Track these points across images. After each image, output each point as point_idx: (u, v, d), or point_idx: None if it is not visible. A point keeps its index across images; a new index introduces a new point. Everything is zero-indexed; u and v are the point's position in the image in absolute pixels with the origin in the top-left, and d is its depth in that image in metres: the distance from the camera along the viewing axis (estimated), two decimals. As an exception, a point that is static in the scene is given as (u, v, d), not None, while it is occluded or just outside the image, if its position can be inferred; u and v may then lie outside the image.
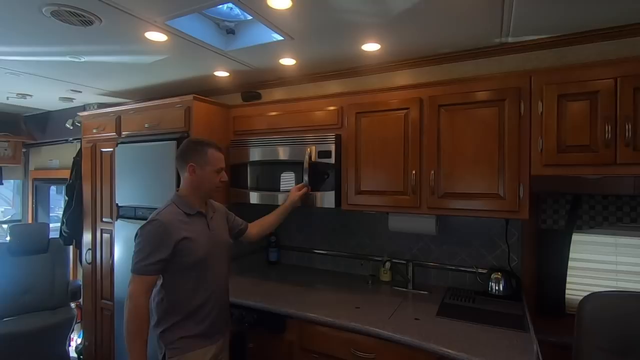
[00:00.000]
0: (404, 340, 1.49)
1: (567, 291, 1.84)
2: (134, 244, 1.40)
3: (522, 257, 1.95)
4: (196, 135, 2.06)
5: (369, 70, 2.12)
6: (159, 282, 1.43)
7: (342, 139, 1.97)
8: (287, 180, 2.07)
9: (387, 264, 2.15)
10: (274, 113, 2.20)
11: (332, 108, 2.02)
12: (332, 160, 1.93)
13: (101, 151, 2.55)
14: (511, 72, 1.59)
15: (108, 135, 2.49)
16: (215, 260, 1.52)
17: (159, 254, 1.36)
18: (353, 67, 2.13)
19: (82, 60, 2.03)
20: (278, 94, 2.42)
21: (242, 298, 1.93)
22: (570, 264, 1.84)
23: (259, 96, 2.47)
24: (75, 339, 3.24)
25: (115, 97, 2.88)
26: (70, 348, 3.08)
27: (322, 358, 1.70)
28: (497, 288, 1.91)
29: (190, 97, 2.10)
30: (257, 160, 2.16)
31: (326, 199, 1.96)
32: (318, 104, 2.07)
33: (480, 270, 2.01)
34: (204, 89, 2.57)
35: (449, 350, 1.39)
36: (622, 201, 1.74)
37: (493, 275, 1.94)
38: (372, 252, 2.33)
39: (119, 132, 2.44)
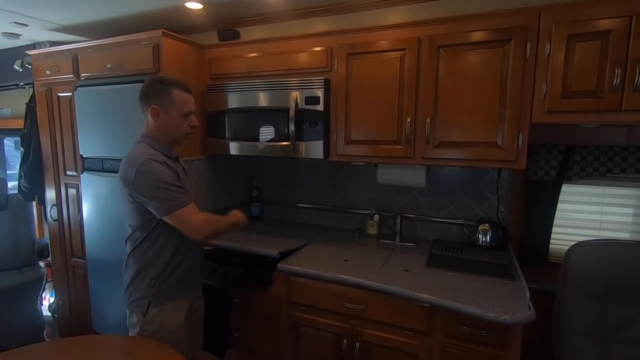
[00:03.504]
0: (396, 291, 1.46)
1: (551, 241, 1.87)
2: (127, 189, 1.30)
3: (509, 208, 1.94)
4: (167, 77, 1.83)
5: (361, 6, 1.91)
6: (145, 231, 1.34)
7: (331, 83, 1.81)
8: (267, 133, 1.91)
9: (376, 217, 2.10)
10: (254, 54, 1.98)
11: (320, 49, 1.83)
12: (321, 107, 1.78)
13: (58, 96, 2.26)
14: (520, 9, 1.45)
15: (64, 78, 2.20)
16: None
17: (176, 183, 1.30)
18: (344, 2, 1.91)
19: (24, -19, 1.70)
20: (259, 32, 2.18)
21: (225, 252, 1.84)
22: (556, 214, 1.85)
23: (237, 35, 2.22)
24: (48, 298, 3.11)
25: (69, 33, 2.52)
26: (42, 307, 2.96)
27: (311, 310, 1.67)
28: (484, 239, 1.91)
29: (158, 32, 1.83)
30: (236, 108, 1.98)
31: (313, 149, 1.83)
32: (304, 44, 1.86)
33: (467, 222, 2.00)
34: (174, 26, 2.27)
35: (442, 300, 1.37)
36: (614, 152, 1.72)
37: (480, 227, 1.93)
38: (358, 206, 2.27)
39: (77, 74, 2.15)
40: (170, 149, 1.41)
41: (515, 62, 1.47)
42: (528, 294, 1.33)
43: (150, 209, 1.29)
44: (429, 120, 1.63)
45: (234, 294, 1.83)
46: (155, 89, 1.33)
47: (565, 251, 1.64)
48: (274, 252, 1.77)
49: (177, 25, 2.27)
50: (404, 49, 1.64)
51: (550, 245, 1.87)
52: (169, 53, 1.87)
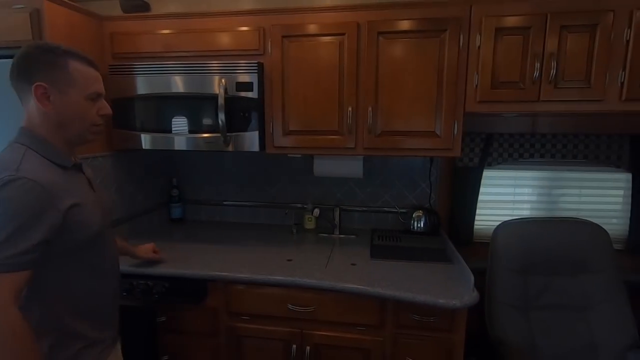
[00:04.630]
0: (347, 288, 1.40)
1: (475, 222, 2.02)
2: None
3: (439, 194, 2.04)
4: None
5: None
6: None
7: (264, 68, 1.64)
8: (180, 124, 1.66)
9: (316, 211, 2.01)
10: (169, 31, 1.69)
11: (249, 29, 1.64)
12: (255, 94, 1.60)
13: None
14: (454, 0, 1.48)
15: None
16: (108, 234, 1.08)
17: (37, 233, 0.83)
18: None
19: None
20: (174, 5, 1.87)
21: (147, 266, 1.55)
22: (479, 197, 1.99)
23: (146, 6, 1.87)
24: None
25: None
26: None
27: (254, 319, 1.51)
28: (418, 225, 1.97)
29: (38, -7, 1.43)
30: (149, 94, 1.67)
31: (247, 141, 1.65)
32: (231, 23, 1.65)
33: (402, 210, 2.05)
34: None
35: (394, 292, 1.35)
36: (524, 139, 1.91)
37: (415, 214, 1.98)
38: (294, 200, 2.16)
39: None
40: (68, 153, 0.98)
41: (450, 52, 1.50)
42: (472, 278, 1.39)
43: None
44: (370, 109, 1.58)
45: (160, 313, 1.56)
46: (40, 60, 0.90)
47: (492, 231, 1.78)
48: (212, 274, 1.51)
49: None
50: (343, 34, 1.56)
51: (475, 227, 2.02)
52: (53, 22, 1.47)
